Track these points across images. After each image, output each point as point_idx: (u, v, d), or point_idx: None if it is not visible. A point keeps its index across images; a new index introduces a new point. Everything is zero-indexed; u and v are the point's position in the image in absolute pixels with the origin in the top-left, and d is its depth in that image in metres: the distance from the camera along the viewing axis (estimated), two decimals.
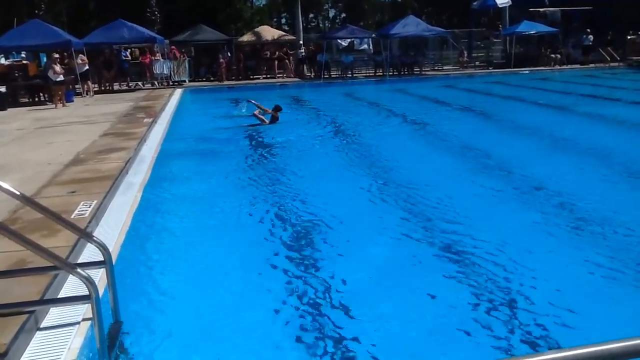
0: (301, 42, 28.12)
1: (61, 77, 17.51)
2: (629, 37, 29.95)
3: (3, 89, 17.10)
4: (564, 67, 27.88)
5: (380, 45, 26.63)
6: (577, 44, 29.50)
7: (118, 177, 7.24)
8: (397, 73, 27.02)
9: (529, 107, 16.33)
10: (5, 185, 3.12)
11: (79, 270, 3.02)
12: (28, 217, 5.29)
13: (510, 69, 27.28)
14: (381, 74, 26.51)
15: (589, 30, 28.81)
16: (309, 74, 26.79)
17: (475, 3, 31.71)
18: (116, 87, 23.85)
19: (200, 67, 26.65)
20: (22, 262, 4.11)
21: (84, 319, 3.57)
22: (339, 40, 28.93)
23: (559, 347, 3.15)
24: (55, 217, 3.51)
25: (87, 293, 2.97)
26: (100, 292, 3.20)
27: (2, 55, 22.42)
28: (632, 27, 29.57)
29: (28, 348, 3.31)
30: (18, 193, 3.20)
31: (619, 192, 7.15)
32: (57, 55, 18.64)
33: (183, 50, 26.36)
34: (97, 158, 8.59)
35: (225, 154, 10.33)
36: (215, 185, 8.10)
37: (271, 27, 36.18)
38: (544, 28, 28.37)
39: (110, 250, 3.67)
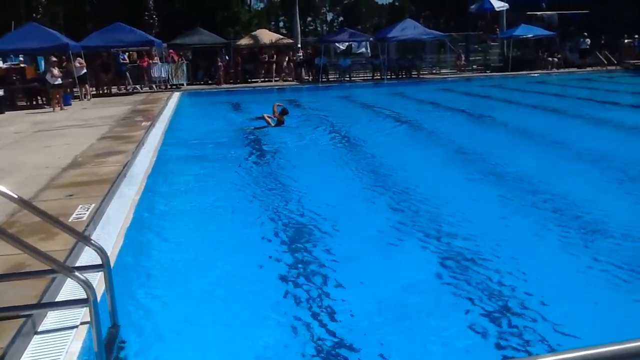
0: (299, 45, 28.16)
1: (59, 81, 17.49)
2: (625, 41, 30.04)
3: (1, 92, 17.07)
4: (561, 70, 27.95)
5: (378, 48, 26.66)
6: (574, 47, 29.59)
7: (116, 181, 7.23)
8: (395, 76, 27.06)
9: (526, 110, 16.37)
10: (3, 189, 3.11)
11: (76, 273, 3.02)
12: (26, 221, 5.28)
13: (507, 72, 27.34)
14: (379, 77, 26.54)
15: (586, 33, 28.90)
16: (307, 77, 26.81)
17: (472, 6, 31.79)
18: (114, 90, 23.84)
19: (198, 71, 26.65)
20: (20, 266, 4.10)
21: (81, 323, 3.56)
22: (336, 44, 28.95)
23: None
24: (53, 221, 3.50)
25: (85, 297, 2.96)
26: (98, 295, 3.20)
27: (0, 58, 22.41)
28: (629, 31, 29.65)
29: (25, 352, 3.29)
30: (16, 196, 3.19)
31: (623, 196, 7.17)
32: (55, 59, 18.63)
33: (181, 54, 26.37)
34: (95, 161, 8.58)
35: (224, 158, 10.31)
36: (213, 187, 8.10)
37: (269, 30, 36.24)
38: (541, 31, 28.45)
39: (108, 254, 3.66)
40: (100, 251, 3.47)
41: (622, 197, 7.13)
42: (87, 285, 2.95)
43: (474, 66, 31.29)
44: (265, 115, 13.40)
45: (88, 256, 4.43)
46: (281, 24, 73.32)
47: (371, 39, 29.17)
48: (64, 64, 20.35)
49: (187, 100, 20.96)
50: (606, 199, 6.88)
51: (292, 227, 6.16)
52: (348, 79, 26.99)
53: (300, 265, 5.06)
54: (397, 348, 3.72)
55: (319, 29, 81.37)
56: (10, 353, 3.11)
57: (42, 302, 3.67)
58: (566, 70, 28.01)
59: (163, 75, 24.03)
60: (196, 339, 3.87)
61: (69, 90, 19.46)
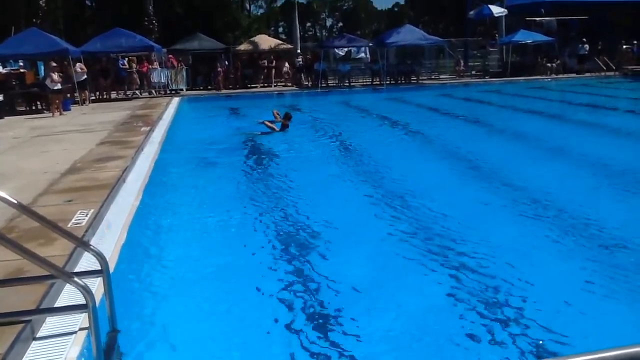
0: (298, 50, 28.20)
1: (58, 86, 17.51)
2: (624, 47, 30.12)
3: (0, 97, 17.09)
4: (560, 76, 28.02)
5: (377, 54, 26.72)
6: (572, 53, 29.67)
7: (115, 186, 7.22)
8: (394, 82, 27.11)
9: (524, 115, 16.40)
10: (2, 194, 3.11)
11: (75, 279, 3.01)
12: (24, 226, 5.27)
13: (506, 78, 27.39)
14: (378, 82, 26.60)
15: (584, 39, 28.98)
16: (307, 83, 26.86)
17: (471, 12, 31.88)
18: (113, 95, 23.86)
19: (198, 76, 26.68)
20: (19, 271, 4.10)
21: (80, 329, 3.55)
22: (336, 49, 29.01)
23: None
24: (52, 226, 3.50)
25: (84, 302, 2.96)
26: (97, 301, 3.19)
27: (0, 63, 22.42)
28: (627, 37, 29.72)
29: (24, 357, 3.28)
30: (15, 201, 3.19)
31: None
32: (54, 64, 18.65)
33: (180, 59, 26.40)
34: (94, 166, 8.58)
35: (224, 163, 10.32)
36: (213, 192, 8.10)
37: (268, 35, 36.32)
38: (540, 37, 28.54)
39: (107, 259, 3.66)
40: (100, 256, 3.47)
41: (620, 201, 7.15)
42: (86, 291, 2.95)
43: (473, 72, 31.35)
44: (266, 121, 13.28)
45: (87, 262, 4.43)
46: (280, 29, 73.57)
47: (370, 44, 29.23)
48: (66, 68, 20.32)
49: (187, 105, 20.98)
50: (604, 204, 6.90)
51: (285, 237, 6.16)
52: (347, 84, 27.04)
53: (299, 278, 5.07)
54: None
55: (318, 34, 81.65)
56: (9, 359, 3.10)
57: (41, 307, 3.66)
58: (565, 75, 28.08)
59: (162, 81, 24.06)
60: (194, 345, 3.87)
61: (69, 95, 19.47)
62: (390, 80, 26.73)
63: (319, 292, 4.58)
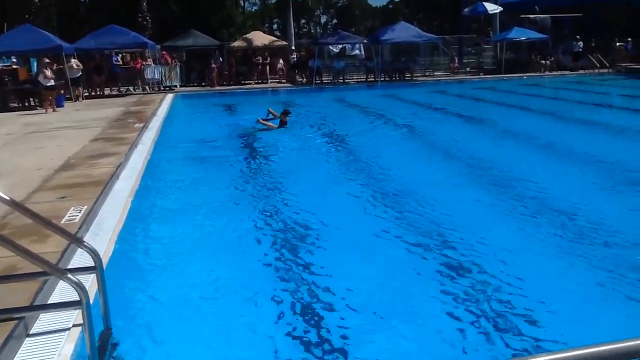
0: (293, 47, 28.13)
1: (52, 82, 17.43)
2: (617, 44, 30.24)
3: None
4: (554, 73, 28.11)
5: (372, 51, 26.71)
6: (566, 50, 29.76)
7: (109, 183, 7.21)
8: (388, 78, 27.12)
9: (518, 112, 16.45)
10: None
11: (69, 275, 3.01)
12: (17, 223, 5.26)
13: (500, 75, 27.45)
14: (373, 79, 26.59)
15: (578, 37, 29.08)
16: (301, 80, 26.83)
17: (466, 9, 31.92)
18: (107, 92, 23.77)
19: (192, 73, 26.61)
20: (12, 268, 4.09)
21: (74, 325, 3.55)
22: (330, 46, 28.98)
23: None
24: (45, 223, 3.49)
25: (78, 299, 2.95)
26: (91, 298, 3.19)
27: None
28: (620, 34, 29.85)
29: (17, 354, 3.28)
30: (7, 198, 3.18)
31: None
32: (47, 60, 18.55)
33: (174, 56, 26.31)
34: (87, 163, 8.55)
35: (218, 159, 10.30)
36: (206, 188, 8.09)
37: (263, 32, 36.23)
38: (534, 34, 28.61)
39: (101, 256, 3.65)
40: (93, 253, 3.46)
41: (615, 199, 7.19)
42: (79, 288, 2.94)
43: (467, 69, 31.41)
44: (260, 119, 13.26)
45: (81, 258, 4.42)
46: (275, 26, 73.49)
47: (365, 41, 29.21)
48: (60, 65, 20.21)
49: (181, 102, 20.92)
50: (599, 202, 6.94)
51: (279, 234, 6.17)
52: (342, 81, 27.02)
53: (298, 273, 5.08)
54: None
55: (312, 31, 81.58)
56: (2, 356, 3.10)
57: (34, 304, 3.65)
58: (559, 73, 28.17)
59: (156, 77, 23.98)
60: (187, 340, 3.87)
61: (63, 91, 19.40)
62: (384, 77, 26.75)
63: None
